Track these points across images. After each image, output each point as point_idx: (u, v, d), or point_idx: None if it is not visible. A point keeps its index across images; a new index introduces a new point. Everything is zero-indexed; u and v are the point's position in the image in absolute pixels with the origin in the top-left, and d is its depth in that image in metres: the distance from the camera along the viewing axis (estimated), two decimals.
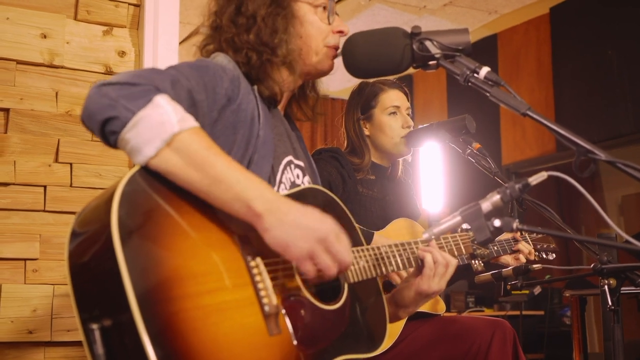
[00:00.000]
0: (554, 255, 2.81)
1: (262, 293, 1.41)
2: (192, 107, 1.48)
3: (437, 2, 6.08)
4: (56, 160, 2.58)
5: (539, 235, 2.75)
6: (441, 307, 2.69)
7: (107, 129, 1.35)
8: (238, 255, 1.41)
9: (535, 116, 1.28)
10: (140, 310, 1.18)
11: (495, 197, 1.31)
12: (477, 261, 2.16)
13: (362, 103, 2.82)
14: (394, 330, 2.52)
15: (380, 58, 1.58)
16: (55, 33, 2.64)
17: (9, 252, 2.47)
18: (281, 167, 1.71)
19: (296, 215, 1.39)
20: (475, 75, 1.41)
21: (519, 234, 2.75)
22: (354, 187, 2.68)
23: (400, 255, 1.75)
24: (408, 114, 2.82)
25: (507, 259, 2.65)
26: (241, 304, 1.36)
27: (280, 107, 1.83)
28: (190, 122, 1.39)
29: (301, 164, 1.82)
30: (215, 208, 1.40)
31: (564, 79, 6.26)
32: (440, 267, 1.76)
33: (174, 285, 1.26)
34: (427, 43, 1.48)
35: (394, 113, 2.78)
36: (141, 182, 1.34)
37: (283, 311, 1.44)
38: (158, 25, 2.80)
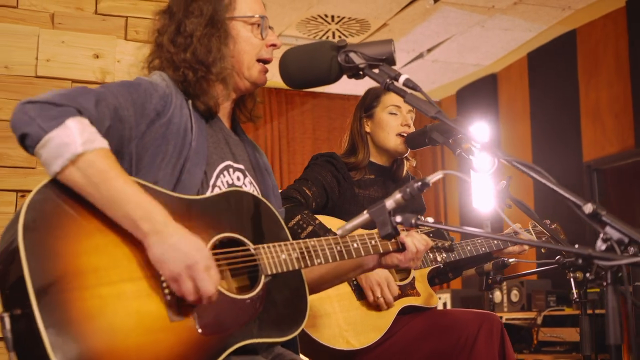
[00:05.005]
0: None
1: (165, 284, 1.58)
2: (118, 122, 1.69)
3: (506, 0, 6.03)
4: None
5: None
6: (434, 301, 2.79)
7: (26, 143, 1.58)
8: (144, 251, 1.58)
9: (443, 119, 1.41)
10: (36, 299, 1.40)
11: (397, 195, 1.44)
12: (433, 253, 2.24)
13: (366, 104, 3.02)
14: (382, 324, 2.64)
15: (310, 70, 1.74)
16: (106, 53, 2.94)
17: None
18: (216, 172, 1.88)
19: (176, 239, 1.56)
20: (395, 82, 1.54)
21: (529, 225, 2.81)
22: (350, 189, 2.84)
23: (330, 249, 1.88)
24: (411, 117, 2.96)
25: (515, 249, 2.73)
26: (143, 294, 1.55)
27: (224, 115, 2.00)
28: (98, 143, 1.58)
29: (241, 167, 1.97)
30: None
31: None
32: (420, 252, 2.00)
33: (73, 278, 1.48)
34: (352, 55, 1.63)
35: (394, 113, 2.94)
36: (50, 191, 1.56)
37: None
38: None
